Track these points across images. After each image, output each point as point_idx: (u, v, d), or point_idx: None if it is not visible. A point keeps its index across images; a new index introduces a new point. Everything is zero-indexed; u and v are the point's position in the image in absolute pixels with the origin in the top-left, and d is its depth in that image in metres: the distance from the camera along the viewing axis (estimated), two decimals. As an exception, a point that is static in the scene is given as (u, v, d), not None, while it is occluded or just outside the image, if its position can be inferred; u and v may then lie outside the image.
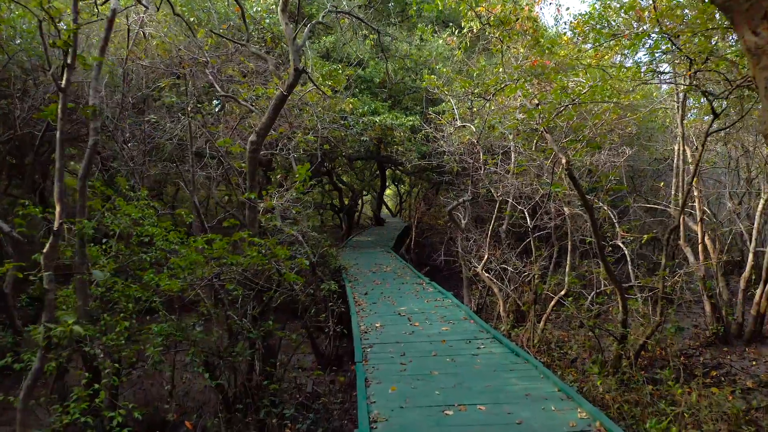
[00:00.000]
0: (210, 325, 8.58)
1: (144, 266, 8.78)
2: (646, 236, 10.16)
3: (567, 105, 8.43)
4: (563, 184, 10.02)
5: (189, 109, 9.50)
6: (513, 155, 12.82)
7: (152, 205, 11.09)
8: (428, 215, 22.74)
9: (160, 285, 7.05)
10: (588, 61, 10.57)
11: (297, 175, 7.94)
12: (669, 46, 8.80)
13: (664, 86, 19.28)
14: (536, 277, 11.13)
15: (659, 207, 15.66)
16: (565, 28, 20.73)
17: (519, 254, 13.57)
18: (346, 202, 27.77)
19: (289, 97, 11.84)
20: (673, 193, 15.36)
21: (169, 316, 7.98)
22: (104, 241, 9.15)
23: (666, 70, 13.47)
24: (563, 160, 8.34)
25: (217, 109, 15.44)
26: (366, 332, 8.40)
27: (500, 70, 10.17)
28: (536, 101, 9.11)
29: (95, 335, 7.73)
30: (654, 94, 18.49)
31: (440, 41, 17.09)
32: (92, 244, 9.28)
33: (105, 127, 12.34)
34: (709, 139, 16.38)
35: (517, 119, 9.39)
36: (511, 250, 13.62)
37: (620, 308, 9.56)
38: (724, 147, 18.41)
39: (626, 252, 12.15)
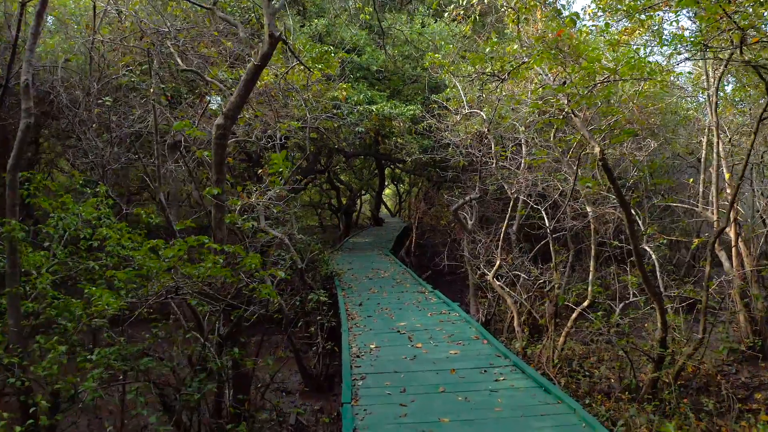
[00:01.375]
0: (168, 349, 7.16)
1: (93, 276, 7.37)
2: (697, 240, 8.70)
3: (600, 82, 6.99)
4: (593, 179, 8.58)
5: (152, 91, 8.04)
6: (524, 148, 11.38)
7: (110, 204, 9.64)
8: (429, 215, 21.31)
9: (104, 302, 5.59)
10: (615, 38, 9.15)
11: (273, 166, 6.50)
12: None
13: (683, 76, 17.87)
14: (556, 286, 9.69)
15: (687, 206, 14.20)
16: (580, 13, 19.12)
17: (532, 259, 12.15)
18: (344, 202, 26.40)
19: (275, 82, 10.43)
20: (701, 190, 13.94)
21: (117, 338, 6.55)
22: (45, 245, 7.74)
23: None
24: (596, 149, 6.91)
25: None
26: (358, 356, 6.95)
27: (516, 45, 8.78)
28: (562, 78, 7.68)
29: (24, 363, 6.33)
30: (676, 83, 17.05)
31: (442, 25, 15.67)
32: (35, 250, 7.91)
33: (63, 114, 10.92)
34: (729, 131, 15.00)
35: (539, 101, 7.95)
36: (523, 254, 12.19)
37: (659, 324, 8.13)
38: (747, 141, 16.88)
39: (654, 257, 10.71)
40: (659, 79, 7.39)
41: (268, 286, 6.30)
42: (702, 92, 17.42)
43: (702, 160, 14.11)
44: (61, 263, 7.79)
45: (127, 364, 6.08)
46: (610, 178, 7.01)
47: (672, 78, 16.61)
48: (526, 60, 8.01)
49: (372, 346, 7.38)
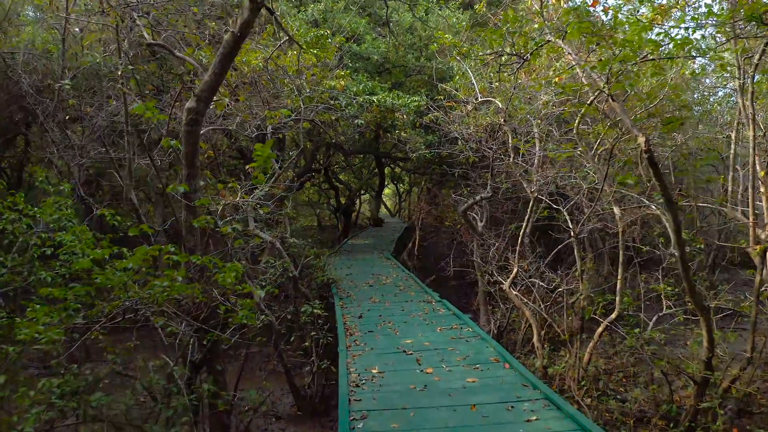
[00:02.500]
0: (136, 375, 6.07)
1: (44, 292, 6.27)
2: (759, 247, 7.62)
3: (643, 59, 5.92)
4: (632, 174, 7.51)
5: (120, 73, 6.95)
6: (537, 144, 10.29)
7: (78, 203, 8.53)
8: (433, 216, 20.23)
9: (33, 330, 4.48)
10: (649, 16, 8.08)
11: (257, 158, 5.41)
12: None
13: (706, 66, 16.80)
14: (582, 297, 8.61)
15: (713, 206, 13.12)
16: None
17: (548, 264, 11.06)
18: (343, 202, 25.36)
19: (264, 67, 9.33)
20: (730, 189, 12.88)
21: (69, 366, 5.47)
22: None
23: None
24: (640, 140, 5.83)
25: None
26: (358, 385, 5.86)
27: (536, 24, 7.72)
28: (592, 58, 6.62)
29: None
30: (696, 75, 15.99)
31: (448, 12, 14.58)
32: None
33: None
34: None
35: (563, 83, 6.87)
36: (539, 258, 11.11)
37: (705, 343, 7.05)
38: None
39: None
40: (709, 58, 6.31)
41: (249, 303, 5.20)
42: (725, 83, 16.38)
43: (731, 156, 13.05)
44: (14, 273, 6.72)
45: (75, 399, 5.00)
46: (656, 175, 5.92)
47: (694, 68, 15.57)
48: (552, 39, 6.95)
49: (374, 372, 6.29)
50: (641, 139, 5.83)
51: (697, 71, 14.57)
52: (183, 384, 5.01)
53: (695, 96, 16.46)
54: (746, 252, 12.28)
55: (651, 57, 6.01)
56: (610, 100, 6.07)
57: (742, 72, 11.33)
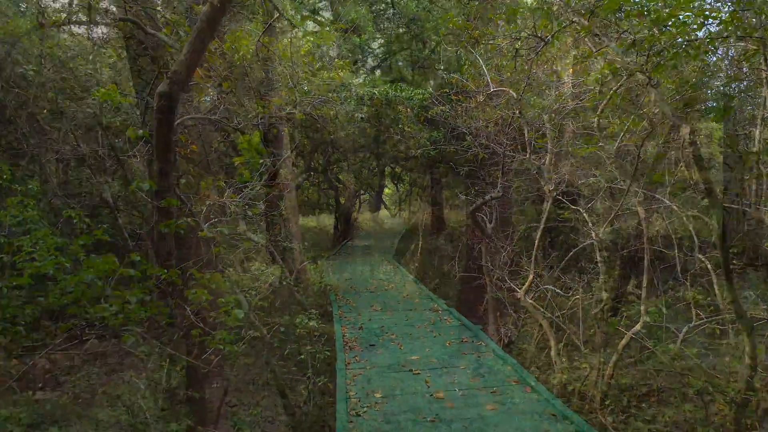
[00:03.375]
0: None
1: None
2: None
3: (690, 40, 5.14)
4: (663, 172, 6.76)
5: (92, 58, 6.18)
6: (549, 142, 9.53)
7: (64, 205, 7.80)
8: (435, 216, 19.49)
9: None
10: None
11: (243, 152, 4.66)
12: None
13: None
14: (606, 309, 7.83)
15: (736, 207, 12.35)
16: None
17: (561, 269, 10.31)
18: (343, 202, 24.60)
19: (255, 53, 8.56)
20: (754, 189, 12.16)
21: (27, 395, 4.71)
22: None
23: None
24: (684, 131, 5.08)
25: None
26: (358, 413, 5.10)
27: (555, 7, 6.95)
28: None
29: None
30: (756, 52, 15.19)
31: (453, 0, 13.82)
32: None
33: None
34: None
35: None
36: (553, 264, 10.35)
37: (747, 360, 6.30)
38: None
39: (710, 269, 8.86)
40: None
41: (231, 320, 4.43)
42: (742, 77, 15.64)
43: (757, 153, 12.31)
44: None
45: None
46: (701, 172, 5.17)
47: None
48: (577, 19, 6.19)
49: (377, 396, 5.52)
50: (685, 130, 5.10)
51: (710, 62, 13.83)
52: (151, 419, 4.24)
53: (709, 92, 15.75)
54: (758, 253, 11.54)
55: (691, 38, 5.24)
56: (650, 85, 5.31)
57: (768, 62, 10.53)
